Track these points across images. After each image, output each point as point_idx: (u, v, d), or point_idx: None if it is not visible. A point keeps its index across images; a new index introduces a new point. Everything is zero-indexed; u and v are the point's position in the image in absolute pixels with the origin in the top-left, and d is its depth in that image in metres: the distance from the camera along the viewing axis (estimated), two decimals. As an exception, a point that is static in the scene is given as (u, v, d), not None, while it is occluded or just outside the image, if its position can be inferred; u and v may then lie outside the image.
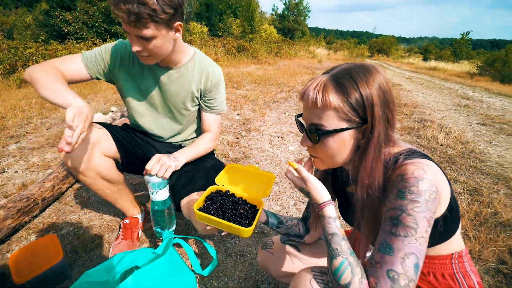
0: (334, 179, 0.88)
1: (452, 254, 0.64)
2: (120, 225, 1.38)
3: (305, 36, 27.99)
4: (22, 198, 1.35)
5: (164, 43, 0.95)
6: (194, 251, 1.33)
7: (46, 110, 3.43)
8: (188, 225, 1.50)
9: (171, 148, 1.32)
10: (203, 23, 19.32)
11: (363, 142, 0.60)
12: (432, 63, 17.85)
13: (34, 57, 6.20)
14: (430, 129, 3.30)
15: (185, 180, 1.17)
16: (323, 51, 17.24)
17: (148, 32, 0.86)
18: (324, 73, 0.63)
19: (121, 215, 1.54)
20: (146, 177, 0.94)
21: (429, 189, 0.52)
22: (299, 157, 2.40)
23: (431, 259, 0.65)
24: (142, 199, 1.71)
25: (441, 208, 0.58)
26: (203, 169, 1.24)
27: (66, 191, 1.72)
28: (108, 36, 11.32)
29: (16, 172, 1.94)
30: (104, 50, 1.11)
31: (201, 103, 1.23)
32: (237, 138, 2.72)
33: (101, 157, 1.09)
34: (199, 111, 1.30)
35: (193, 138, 1.37)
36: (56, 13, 11.44)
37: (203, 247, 1.35)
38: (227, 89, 4.73)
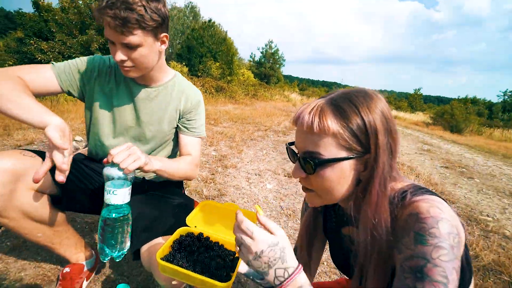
0: (325, 218, 0.77)
1: None
2: (58, 276, 1.10)
3: (280, 82, 30.08)
4: None
5: (150, 53, 0.88)
6: (154, 309, 1.08)
7: (-4, 137, 3.04)
8: (149, 277, 1.25)
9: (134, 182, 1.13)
10: (184, 63, 20.01)
11: (365, 174, 0.52)
12: (394, 112, 19.79)
13: (-5, 82, 5.76)
14: (402, 171, 3.42)
15: (146, 220, 0.96)
16: (297, 96, 18.42)
17: (134, 39, 0.80)
18: (320, 98, 0.56)
19: (64, 261, 1.25)
20: (106, 168, 0.70)
21: (452, 232, 0.44)
22: (277, 196, 2.29)
23: None
24: (94, 241, 1.44)
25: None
26: (169, 208, 1.05)
27: (-4, 231, 1.40)
28: (84, 67, 11.13)
29: None
30: (79, 62, 1.00)
31: (180, 125, 1.12)
32: (213, 174, 2.57)
33: (27, 193, 0.86)
34: (175, 138, 1.17)
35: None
36: (31, 41, 11.15)
37: (166, 303, 1.10)
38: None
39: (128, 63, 0.87)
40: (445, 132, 11.99)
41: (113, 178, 0.71)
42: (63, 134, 0.69)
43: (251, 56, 31.43)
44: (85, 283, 1.11)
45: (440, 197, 0.50)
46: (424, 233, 0.44)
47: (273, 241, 0.50)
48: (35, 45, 10.89)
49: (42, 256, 1.29)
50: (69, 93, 1.01)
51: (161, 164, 0.89)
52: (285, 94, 17.16)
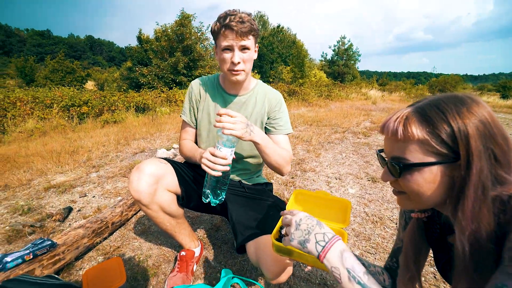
0: (427, 227, 0.73)
1: None
2: (176, 257, 1.36)
3: (356, 79, 27.93)
4: (97, 220, 1.46)
5: (252, 57, 1.09)
6: (250, 296, 1.21)
7: (121, 145, 3.92)
8: (242, 265, 1.40)
9: (231, 185, 1.30)
10: (256, 71, 21.06)
11: (458, 180, 0.49)
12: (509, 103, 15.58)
13: (116, 103, 7.42)
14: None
15: (248, 220, 1.11)
16: (376, 93, 16.68)
17: (248, 42, 1.03)
18: (408, 107, 0.57)
19: (177, 247, 1.54)
20: (218, 130, 0.92)
21: None
22: (361, 201, 2.18)
23: None
24: (199, 233, 1.70)
25: None
26: (265, 209, 1.17)
27: (131, 217, 1.82)
28: (174, 84, 13.10)
29: (94, 196, 2.16)
30: (188, 101, 1.27)
31: (267, 126, 1.23)
32: (292, 177, 2.64)
33: (164, 192, 1.13)
34: None
35: (249, 171, 1.33)
36: (136, 68, 13.92)
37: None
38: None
39: (241, 66, 1.06)
40: None
41: (222, 138, 0.92)
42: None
43: (322, 56, 30.45)
44: (195, 266, 1.34)
45: None
46: None
47: (308, 215, 0.63)
48: (139, 71, 13.57)
49: (161, 240, 1.61)
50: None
51: (263, 137, 1.02)
52: (363, 92, 15.81)
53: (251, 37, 1.03)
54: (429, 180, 0.51)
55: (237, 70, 1.06)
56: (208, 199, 1.01)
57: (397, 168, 0.53)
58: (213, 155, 0.92)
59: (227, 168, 0.94)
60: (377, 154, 0.64)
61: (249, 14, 1.05)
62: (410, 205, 0.58)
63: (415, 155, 0.51)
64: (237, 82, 1.11)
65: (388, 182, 0.60)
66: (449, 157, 0.49)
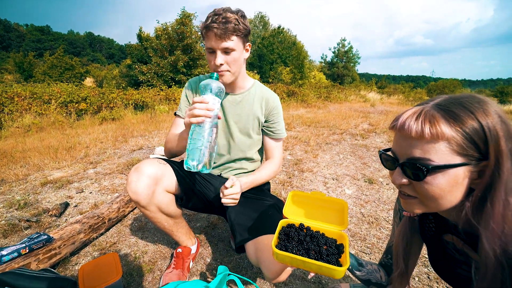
0: (421, 224, 0.73)
1: None
2: (172, 254, 1.36)
3: (355, 81, 27.99)
4: (94, 215, 1.46)
5: (240, 57, 1.06)
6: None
7: (119, 142, 3.91)
8: (238, 263, 1.41)
9: None
10: (255, 71, 21.07)
11: (480, 183, 0.48)
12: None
13: (115, 100, 7.39)
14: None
15: (247, 220, 1.10)
16: (375, 95, 16.69)
17: (231, 44, 1.00)
18: (418, 105, 0.53)
19: (174, 243, 1.54)
20: (206, 81, 0.93)
21: None
22: (357, 202, 2.19)
23: None
24: (196, 231, 1.70)
25: None
26: (264, 209, 1.17)
27: (128, 214, 1.82)
28: (173, 83, 13.06)
29: (91, 192, 2.15)
30: (185, 97, 1.25)
31: (265, 130, 1.25)
32: (289, 177, 2.64)
33: (162, 193, 1.12)
34: (261, 143, 1.30)
35: (246, 170, 1.33)
36: (136, 66, 13.85)
37: (255, 291, 1.23)
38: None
39: (225, 67, 1.04)
40: None
41: (205, 88, 0.91)
42: None
43: (322, 57, 30.48)
44: (191, 263, 1.34)
45: None
46: None
47: None
48: (138, 69, 13.51)
49: (157, 236, 1.61)
50: None
51: (249, 184, 1.17)
52: (361, 94, 15.82)
53: (234, 37, 0.99)
54: (452, 183, 0.48)
55: (220, 71, 1.05)
56: (188, 165, 0.87)
57: (423, 171, 0.49)
58: (193, 102, 0.88)
59: (210, 114, 0.87)
60: (380, 155, 0.60)
61: (238, 12, 1.01)
62: (422, 209, 0.55)
63: (441, 156, 0.47)
64: (223, 83, 1.08)
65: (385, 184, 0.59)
66: (475, 157, 0.47)
